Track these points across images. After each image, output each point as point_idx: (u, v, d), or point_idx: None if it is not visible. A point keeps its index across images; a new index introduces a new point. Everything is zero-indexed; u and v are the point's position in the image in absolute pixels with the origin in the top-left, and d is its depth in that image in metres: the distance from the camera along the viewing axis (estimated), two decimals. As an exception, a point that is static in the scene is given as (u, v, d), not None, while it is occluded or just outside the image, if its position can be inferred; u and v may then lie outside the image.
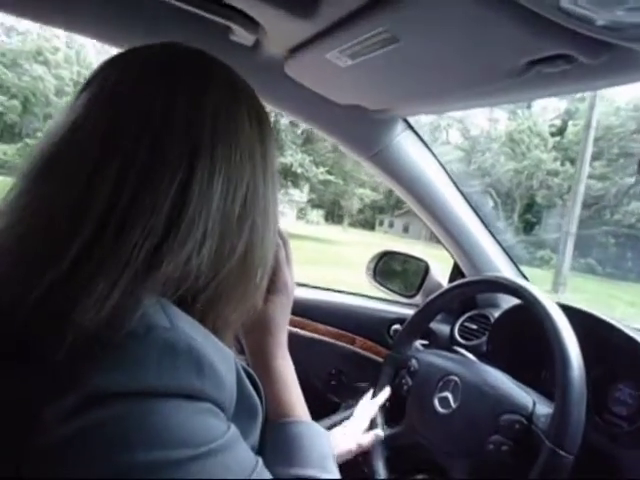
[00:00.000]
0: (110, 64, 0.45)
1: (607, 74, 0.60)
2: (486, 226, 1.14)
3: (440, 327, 1.17)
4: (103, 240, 0.36)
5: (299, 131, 17.37)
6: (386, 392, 0.90)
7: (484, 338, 1.06)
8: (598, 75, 0.60)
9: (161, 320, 0.35)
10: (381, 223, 32.13)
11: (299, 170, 15.94)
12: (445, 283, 1.24)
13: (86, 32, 0.76)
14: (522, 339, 0.95)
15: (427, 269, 1.23)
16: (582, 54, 0.55)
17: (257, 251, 0.45)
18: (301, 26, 0.67)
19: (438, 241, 1.22)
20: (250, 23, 0.71)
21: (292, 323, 1.19)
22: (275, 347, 0.56)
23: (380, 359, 1.20)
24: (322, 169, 17.42)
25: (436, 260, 1.27)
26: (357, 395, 0.96)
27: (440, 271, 1.24)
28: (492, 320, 1.08)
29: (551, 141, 22.87)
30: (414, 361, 0.91)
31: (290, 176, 16.16)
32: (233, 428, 0.37)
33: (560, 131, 23.31)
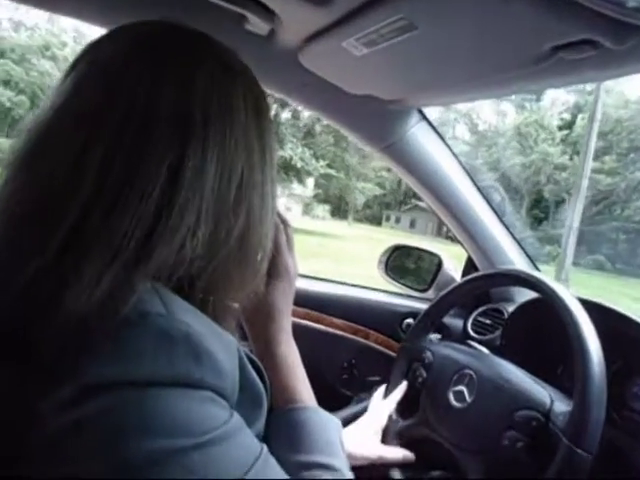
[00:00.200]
0: (98, 44, 0.43)
1: (632, 60, 0.58)
2: (501, 220, 1.12)
3: (453, 321, 1.16)
4: (91, 225, 0.35)
5: (301, 124, 17.34)
6: (402, 387, 0.89)
7: (498, 333, 1.05)
8: (624, 61, 0.58)
9: (156, 306, 0.34)
10: (388, 218, 32.14)
11: (299, 164, 15.83)
12: (458, 277, 1.23)
13: (96, 20, 0.76)
14: (537, 334, 0.94)
15: (440, 263, 1.23)
16: (608, 39, 0.53)
17: (255, 235, 0.44)
18: (317, 14, 0.66)
19: (445, 237, 1.21)
20: (265, 12, 0.69)
21: (307, 316, 1.20)
22: (278, 333, 0.55)
23: (392, 353, 1.20)
24: (322, 162, 17.31)
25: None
26: (369, 389, 0.96)
27: (453, 265, 1.23)
28: (506, 315, 1.07)
29: (559, 135, 22.68)
30: (429, 353, 0.90)
31: (291, 170, 16.07)
32: (236, 416, 0.37)
33: (569, 125, 23.12)
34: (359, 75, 0.82)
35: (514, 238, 1.15)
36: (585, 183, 11.95)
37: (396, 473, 0.82)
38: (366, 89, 0.89)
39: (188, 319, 0.35)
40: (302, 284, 1.27)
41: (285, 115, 16.73)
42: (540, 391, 0.72)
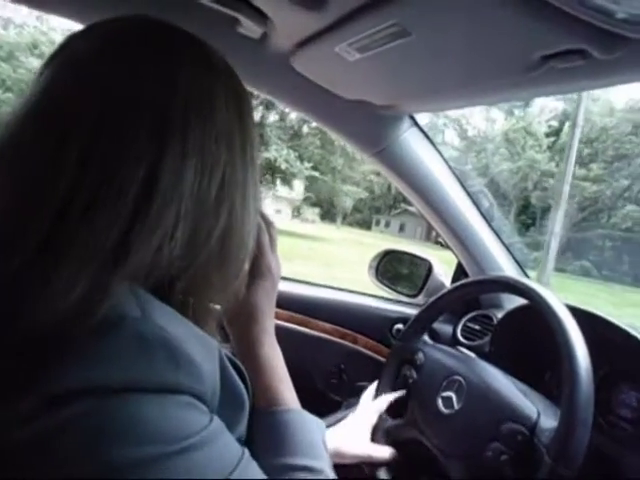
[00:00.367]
0: (75, 38, 0.42)
1: (621, 70, 0.59)
2: (490, 226, 1.13)
3: (442, 327, 1.16)
4: (67, 225, 0.34)
5: (288, 126, 17.29)
6: (392, 396, 0.89)
7: (487, 339, 1.05)
8: (612, 71, 0.59)
9: (132, 310, 0.34)
10: (377, 223, 32.26)
11: (284, 165, 15.71)
12: (448, 283, 1.23)
13: (83, 19, 0.74)
14: (526, 340, 0.94)
15: (430, 268, 1.23)
16: (597, 49, 0.54)
17: (236, 235, 0.43)
18: (310, 19, 0.66)
19: (434, 241, 1.21)
20: (258, 15, 0.69)
21: (297, 320, 1.20)
22: (261, 334, 0.54)
23: (382, 358, 1.19)
24: (307, 164, 17.18)
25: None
26: (358, 394, 0.95)
27: (443, 270, 1.23)
28: (495, 321, 1.07)
29: (546, 141, 22.97)
30: (421, 354, 0.89)
31: (276, 172, 15.97)
32: (216, 420, 0.36)
33: (556, 132, 23.45)
34: (352, 80, 0.82)
35: (503, 244, 1.16)
36: (567, 189, 12.13)
37: (382, 473, 0.82)
38: (358, 94, 0.89)
39: (165, 322, 0.34)
40: (293, 288, 1.27)
41: (272, 117, 16.68)
42: (528, 405, 0.72)
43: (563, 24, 0.51)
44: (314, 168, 17.84)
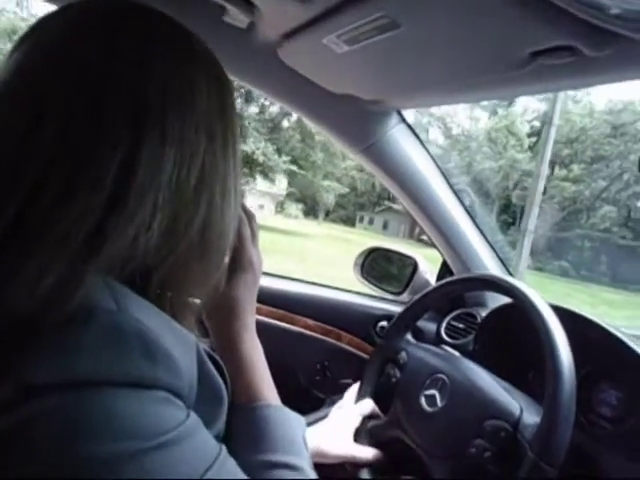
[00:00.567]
0: (49, 19, 0.40)
1: (610, 68, 0.59)
2: (476, 224, 1.13)
3: (426, 325, 1.16)
4: (37, 212, 0.33)
5: (267, 118, 17.14)
6: (371, 404, 0.88)
7: (470, 337, 1.05)
8: (601, 69, 0.59)
9: (106, 302, 0.33)
10: (361, 220, 32.42)
11: (261, 159, 15.54)
12: (433, 281, 1.23)
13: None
14: (509, 339, 0.95)
15: (416, 266, 1.22)
16: (586, 46, 0.53)
17: (216, 227, 0.42)
18: (298, 9, 0.64)
19: (416, 239, 1.21)
20: (245, 4, 0.67)
21: (280, 317, 1.18)
22: (241, 329, 0.53)
23: (366, 356, 1.19)
24: (285, 158, 17.03)
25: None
26: (342, 391, 0.95)
27: (428, 268, 1.23)
28: (479, 319, 1.08)
29: (527, 141, 23.34)
30: (404, 354, 0.89)
31: (254, 165, 15.77)
32: (193, 416, 0.35)
33: (538, 132, 23.83)
34: (339, 73, 0.81)
35: (489, 243, 1.16)
36: (541, 187, 12.30)
37: (365, 473, 0.81)
38: (346, 88, 0.87)
39: (142, 315, 0.34)
40: (276, 283, 1.26)
41: (252, 109, 16.52)
42: (510, 401, 0.72)
43: (553, 20, 0.50)
44: (293, 162, 17.72)
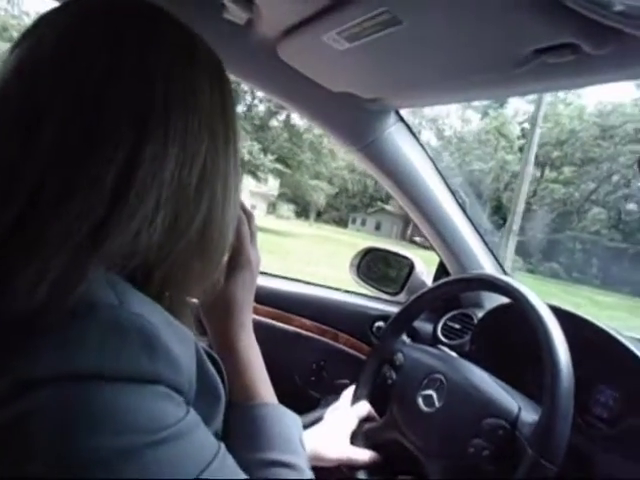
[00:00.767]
0: (49, 16, 0.40)
1: (613, 66, 0.59)
2: (473, 225, 1.13)
3: (423, 326, 1.16)
4: (39, 210, 0.33)
5: (255, 117, 17.05)
6: (367, 407, 0.88)
7: (467, 338, 1.05)
8: (603, 67, 0.59)
9: (108, 297, 0.33)
10: (354, 221, 32.44)
11: (246, 157, 15.55)
12: (429, 281, 1.23)
13: None
14: (506, 339, 0.95)
15: (412, 267, 1.22)
16: (588, 43, 0.53)
17: (217, 225, 0.43)
18: (297, 5, 0.64)
19: (409, 240, 1.21)
20: (244, 0, 0.67)
21: (277, 316, 1.18)
22: (239, 328, 0.53)
23: (362, 356, 1.19)
24: (271, 157, 17.04)
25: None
26: (338, 392, 0.94)
27: (424, 269, 1.23)
28: (475, 320, 1.08)
29: (517, 143, 23.51)
30: (400, 355, 0.89)
31: (242, 164, 15.91)
32: (192, 412, 0.35)
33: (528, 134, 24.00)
34: (339, 71, 0.80)
35: (485, 243, 1.16)
36: (525, 187, 12.40)
37: (362, 474, 0.81)
38: (345, 86, 0.87)
39: (143, 311, 0.34)
40: (273, 283, 1.25)
41: (239, 108, 16.49)
42: (508, 400, 0.72)
43: (556, 17, 0.50)
44: (279, 161, 17.65)
